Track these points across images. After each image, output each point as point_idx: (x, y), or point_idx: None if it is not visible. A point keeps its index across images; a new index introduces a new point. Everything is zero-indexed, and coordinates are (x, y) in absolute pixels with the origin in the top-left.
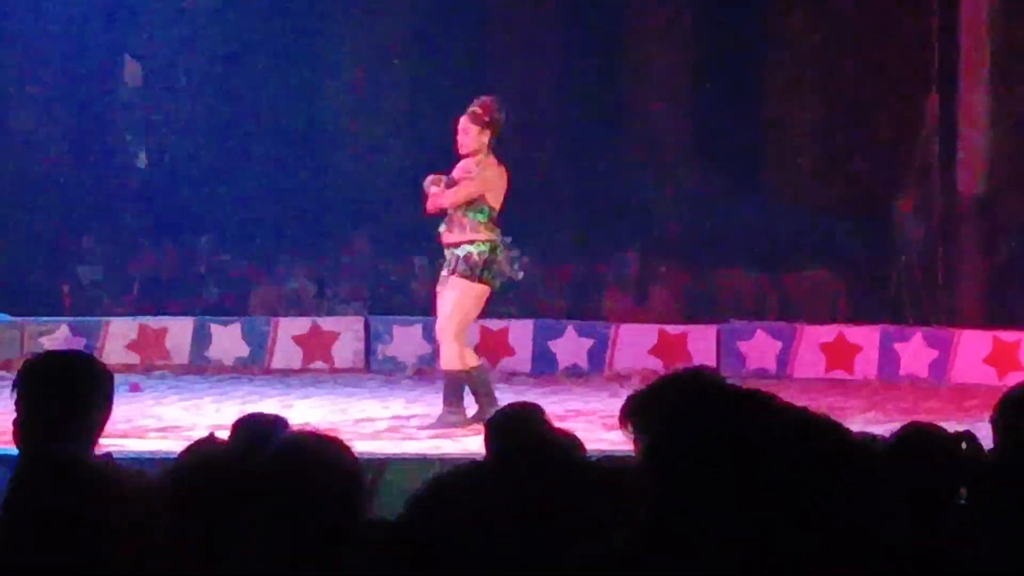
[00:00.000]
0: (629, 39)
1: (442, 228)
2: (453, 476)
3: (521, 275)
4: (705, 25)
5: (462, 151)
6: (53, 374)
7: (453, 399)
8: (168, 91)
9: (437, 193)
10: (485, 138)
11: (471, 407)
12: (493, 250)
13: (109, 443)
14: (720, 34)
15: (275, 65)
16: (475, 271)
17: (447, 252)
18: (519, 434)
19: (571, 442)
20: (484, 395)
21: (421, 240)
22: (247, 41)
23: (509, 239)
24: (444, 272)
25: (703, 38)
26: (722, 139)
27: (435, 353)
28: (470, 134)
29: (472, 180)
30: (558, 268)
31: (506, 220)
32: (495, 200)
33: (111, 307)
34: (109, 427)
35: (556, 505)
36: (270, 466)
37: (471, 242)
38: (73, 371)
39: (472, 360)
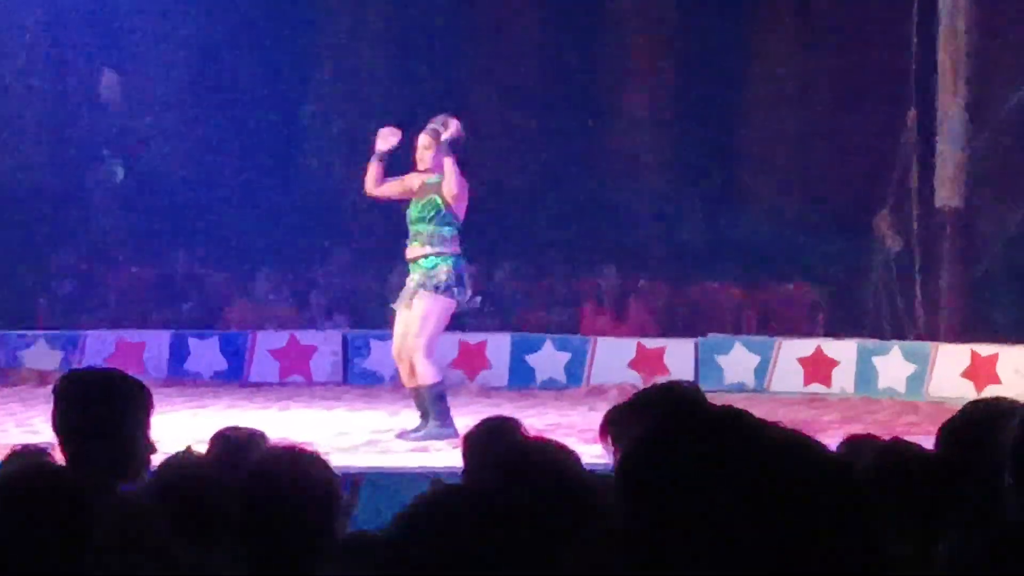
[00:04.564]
0: (610, 53)
1: (410, 243)
2: (441, 494)
3: (477, 302)
4: (686, 41)
5: (421, 167)
6: (86, 392)
7: (442, 412)
8: (145, 104)
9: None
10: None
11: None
12: (458, 264)
13: None
14: (700, 51)
15: (253, 79)
16: (443, 285)
17: (412, 267)
18: (496, 447)
19: (561, 454)
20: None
21: (399, 254)
22: (225, 55)
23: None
24: (411, 287)
25: (683, 54)
26: (701, 154)
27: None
28: (432, 150)
29: (455, 174)
30: (536, 282)
31: (485, 234)
32: (462, 214)
33: (88, 320)
34: None
35: (543, 518)
36: (248, 479)
37: (439, 255)
38: (105, 388)
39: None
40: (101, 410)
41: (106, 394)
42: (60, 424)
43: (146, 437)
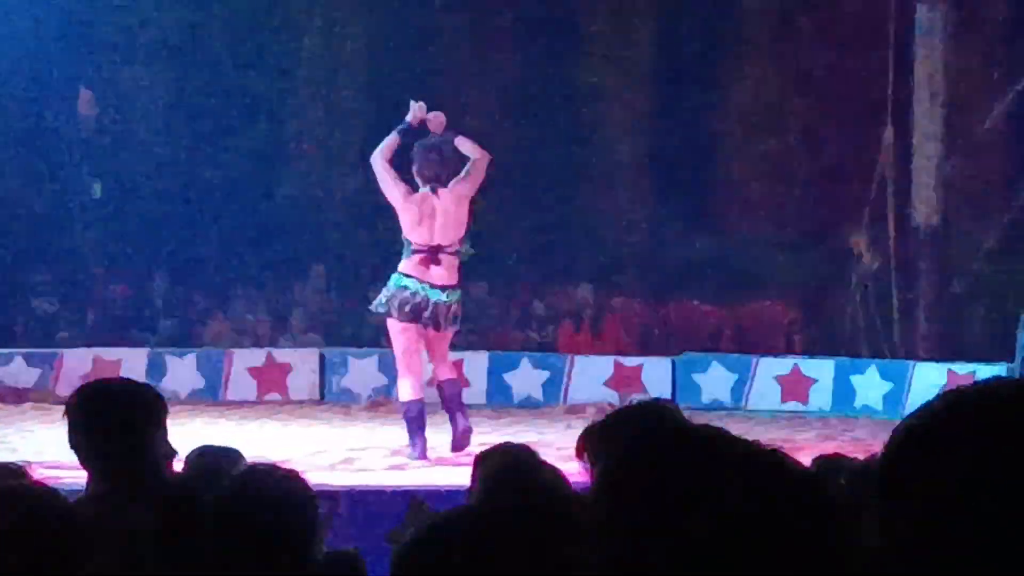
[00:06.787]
0: (585, 71)
1: (440, 269)
2: (448, 521)
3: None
4: (662, 59)
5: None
6: (104, 406)
7: (410, 431)
8: (123, 122)
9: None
10: None
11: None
12: (396, 281)
13: (63, 475)
14: (677, 69)
15: (230, 97)
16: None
17: (444, 294)
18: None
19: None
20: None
21: (376, 272)
22: (201, 75)
23: None
24: (447, 318)
25: (660, 72)
26: (678, 172)
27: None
28: None
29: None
30: (513, 300)
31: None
32: (403, 225)
33: (65, 338)
34: (63, 458)
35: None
36: (224, 498)
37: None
38: (122, 400)
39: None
40: (123, 423)
41: (126, 406)
42: (80, 442)
43: (166, 443)
